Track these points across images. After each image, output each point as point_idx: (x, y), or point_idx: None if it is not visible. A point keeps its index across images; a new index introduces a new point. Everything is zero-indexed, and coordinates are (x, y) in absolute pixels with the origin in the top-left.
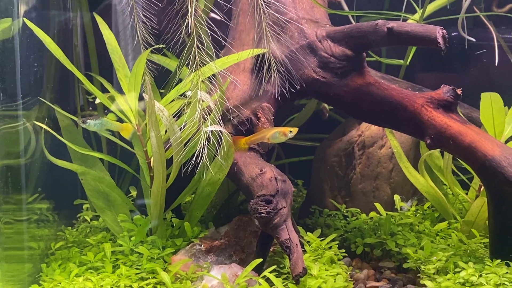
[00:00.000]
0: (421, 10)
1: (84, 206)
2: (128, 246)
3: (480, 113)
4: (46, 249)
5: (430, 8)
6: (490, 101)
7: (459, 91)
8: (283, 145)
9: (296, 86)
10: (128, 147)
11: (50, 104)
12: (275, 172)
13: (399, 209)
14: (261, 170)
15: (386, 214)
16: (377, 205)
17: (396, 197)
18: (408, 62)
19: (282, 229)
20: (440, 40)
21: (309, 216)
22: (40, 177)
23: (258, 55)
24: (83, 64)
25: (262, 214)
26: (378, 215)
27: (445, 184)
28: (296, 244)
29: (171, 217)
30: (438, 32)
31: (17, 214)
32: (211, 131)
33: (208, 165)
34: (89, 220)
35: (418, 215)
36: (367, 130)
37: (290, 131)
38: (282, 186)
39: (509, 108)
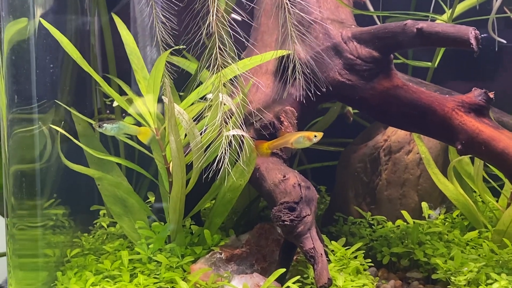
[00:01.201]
0: (450, 11)
1: (101, 212)
2: (146, 254)
3: None
4: (62, 256)
5: (459, 8)
6: None
7: (491, 95)
8: (305, 150)
9: (321, 89)
10: (147, 152)
11: (66, 107)
12: (298, 178)
13: (426, 217)
14: (284, 176)
15: (414, 222)
16: (404, 213)
17: (424, 205)
18: (436, 65)
19: (306, 237)
20: (473, 41)
21: (333, 224)
22: (56, 182)
23: (281, 56)
24: (100, 66)
25: (286, 222)
26: (405, 223)
27: (475, 192)
28: (321, 254)
29: (190, 224)
30: (471, 32)
31: (32, 220)
32: (233, 136)
33: (230, 170)
34: (106, 227)
35: (447, 223)
36: (394, 134)
37: (315, 136)
38: (306, 192)
39: None
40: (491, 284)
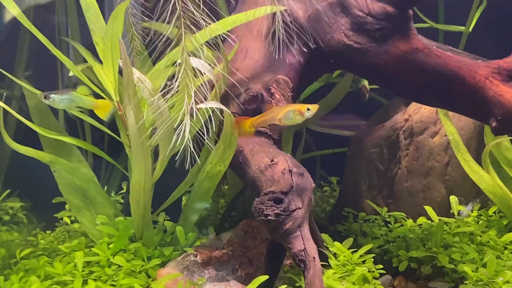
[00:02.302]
0: None
1: (67, 206)
2: (105, 256)
3: None
4: (10, 257)
5: None
6: None
7: None
8: (314, 134)
9: (323, 55)
10: (109, 132)
11: (15, 79)
12: (290, 163)
13: (456, 214)
14: (272, 161)
15: (439, 220)
16: (428, 209)
17: (453, 199)
18: (471, 29)
19: (295, 237)
20: None
21: (342, 221)
22: (10, 170)
23: (276, 16)
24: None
25: (270, 217)
26: (429, 222)
27: None
28: (314, 258)
29: (164, 220)
30: None
31: None
32: (213, 112)
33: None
34: (68, 222)
35: (481, 222)
36: (416, 113)
37: (308, 109)
38: (299, 181)
39: None
40: None
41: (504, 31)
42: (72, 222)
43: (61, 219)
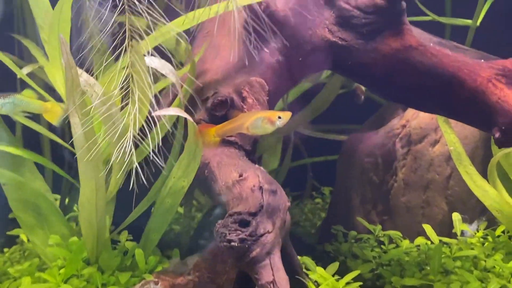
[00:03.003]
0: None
1: None
2: (55, 282)
3: None
4: None
5: None
6: None
7: None
8: (305, 139)
9: (305, 53)
10: (59, 140)
11: None
12: (261, 179)
13: (459, 234)
14: (241, 175)
15: (439, 241)
16: (427, 228)
17: (456, 217)
18: (478, 23)
19: (263, 266)
20: None
21: (331, 240)
22: None
23: (252, 9)
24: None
25: (233, 243)
26: (428, 242)
27: None
28: None
29: (126, 240)
30: None
31: None
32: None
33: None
34: (25, 241)
35: (486, 244)
36: (415, 118)
37: (279, 117)
38: (270, 199)
39: None
40: None
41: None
42: (28, 240)
43: (18, 236)
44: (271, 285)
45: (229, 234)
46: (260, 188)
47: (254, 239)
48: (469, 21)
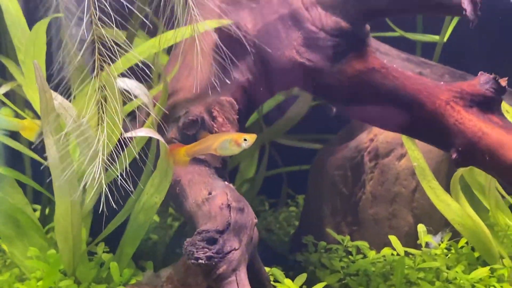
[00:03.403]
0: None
1: None
2: None
3: None
4: None
5: None
6: None
7: (503, 82)
8: (280, 148)
9: (273, 71)
10: (35, 156)
11: None
12: (229, 196)
13: (423, 245)
14: (210, 193)
15: (405, 252)
16: (393, 239)
17: (421, 228)
18: (445, 39)
19: (229, 282)
20: (467, 5)
21: (302, 250)
22: None
23: (223, 30)
24: None
25: (200, 261)
26: (394, 253)
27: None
28: None
29: (103, 252)
30: None
31: None
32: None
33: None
34: (6, 250)
35: (450, 255)
36: (382, 133)
37: (245, 140)
38: (237, 217)
39: None
40: None
41: (482, 41)
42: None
43: None
44: None
45: (197, 252)
46: (228, 206)
47: (220, 256)
48: (436, 37)
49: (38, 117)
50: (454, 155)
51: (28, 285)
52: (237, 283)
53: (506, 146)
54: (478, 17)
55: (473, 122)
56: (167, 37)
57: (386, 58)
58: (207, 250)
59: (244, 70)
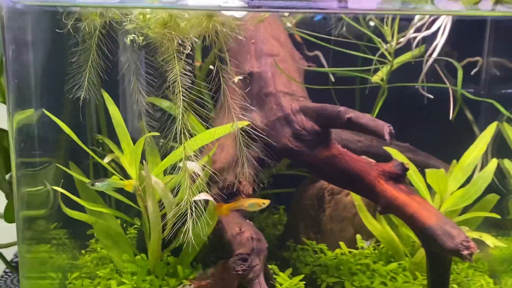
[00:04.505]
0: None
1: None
2: (131, 284)
3: (428, 180)
4: (64, 278)
5: (398, 60)
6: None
7: (407, 165)
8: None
9: (275, 152)
10: (131, 203)
11: (64, 169)
12: (252, 232)
13: (360, 247)
14: (240, 229)
15: (350, 252)
16: (342, 244)
17: (358, 237)
18: (375, 115)
19: (255, 283)
20: (386, 136)
21: (286, 249)
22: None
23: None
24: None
25: (239, 271)
26: (344, 253)
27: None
28: None
29: (167, 256)
30: (386, 129)
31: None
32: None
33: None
34: (98, 250)
35: (374, 254)
36: None
37: (263, 203)
38: (257, 245)
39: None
40: None
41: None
42: (101, 248)
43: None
44: None
45: (237, 267)
46: (252, 238)
47: (250, 268)
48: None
49: None
50: (379, 208)
51: (125, 278)
52: (259, 283)
53: (408, 205)
54: (391, 139)
55: (390, 190)
56: (224, 129)
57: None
58: (242, 265)
59: (257, 150)
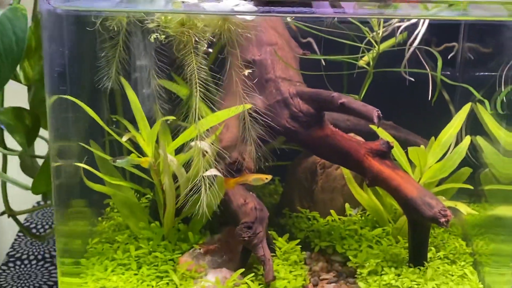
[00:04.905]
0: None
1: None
2: (147, 249)
3: (410, 155)
4: (84, 244)
5: (382, 46)
6: (416, 152)
7: (392, 144)
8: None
9: (275, 131)
10: (147, 177)
11: (87, 147)
12: (255, 203)
13: (348, 215)
14: (245, 201)
15: (339, 219)
16: (332, 212)
17: (347, 205)
18: (361, 97)
19: (259, 247)
20: (375, 119)
21: (282, 217)
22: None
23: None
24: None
25: (245, 238)
26: (334, 220)
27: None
28: (268, 259)
29: (178, 223)
30: (374, 113)
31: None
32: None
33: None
34: (115, 218)
35: (361, 221)
36: None
37: (266, 178)
38: (260, 214)
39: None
40: (384, 275)
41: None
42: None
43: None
44: (263, 256)
45: (243, 234)
46: (255, 208)
47: (254, 235)
48: (356, 96)
49: None
50: (367, 182)
51: (142, 243)
52: (262, 248)
53: (392, 178)
54: (379, 122)
55: (376, 165)
56: (229, 112)
57: None
58: (248, 232)
59: (259, 130)
